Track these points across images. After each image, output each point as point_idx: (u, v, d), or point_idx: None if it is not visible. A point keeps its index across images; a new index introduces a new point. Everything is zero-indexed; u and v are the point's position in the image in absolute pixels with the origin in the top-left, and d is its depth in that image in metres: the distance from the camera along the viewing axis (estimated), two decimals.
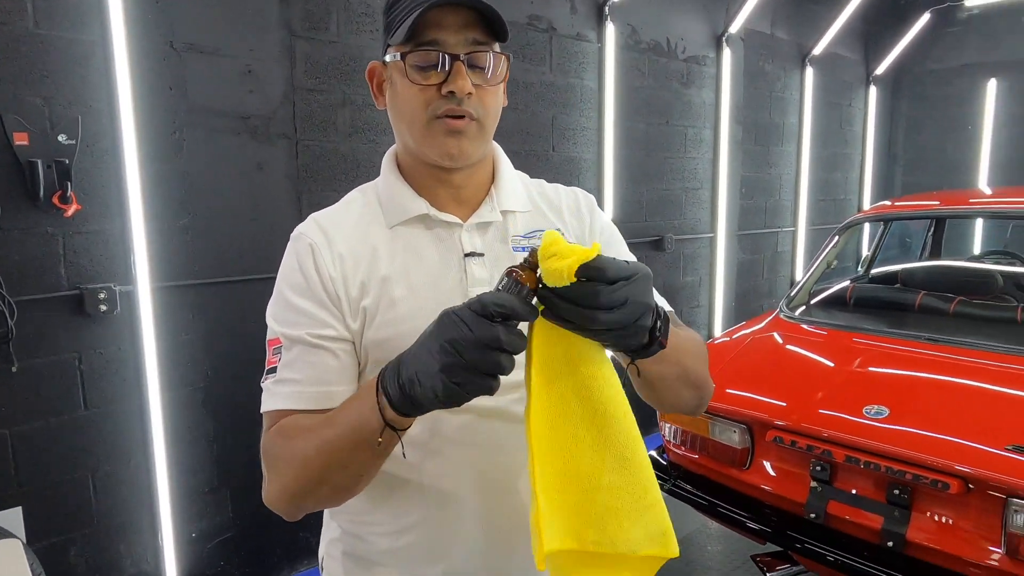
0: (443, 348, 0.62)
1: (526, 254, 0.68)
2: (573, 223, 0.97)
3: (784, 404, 1.95)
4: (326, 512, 0.99)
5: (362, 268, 0.86)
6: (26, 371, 2.10)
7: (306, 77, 2.57)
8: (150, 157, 2.24)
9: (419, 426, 0.83)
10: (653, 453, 2.37)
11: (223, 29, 2.37)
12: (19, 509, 2.12)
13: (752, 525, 1.90)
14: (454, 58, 0.81)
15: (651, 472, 0.75)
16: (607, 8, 3.58)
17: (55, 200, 2.07)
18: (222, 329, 2.46)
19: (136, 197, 2.22)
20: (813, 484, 1.81)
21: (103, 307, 2.20)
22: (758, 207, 4.83)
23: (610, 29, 3.60)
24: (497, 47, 0.86)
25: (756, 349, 2.35)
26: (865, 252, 4.22)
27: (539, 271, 0.66)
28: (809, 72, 4.98)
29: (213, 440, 2.49)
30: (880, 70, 5.60)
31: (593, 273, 0.63)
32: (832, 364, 2.12)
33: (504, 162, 0.97)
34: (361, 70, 2.71)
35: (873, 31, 5.51)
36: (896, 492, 1.67)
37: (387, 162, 0.95)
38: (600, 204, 4.14)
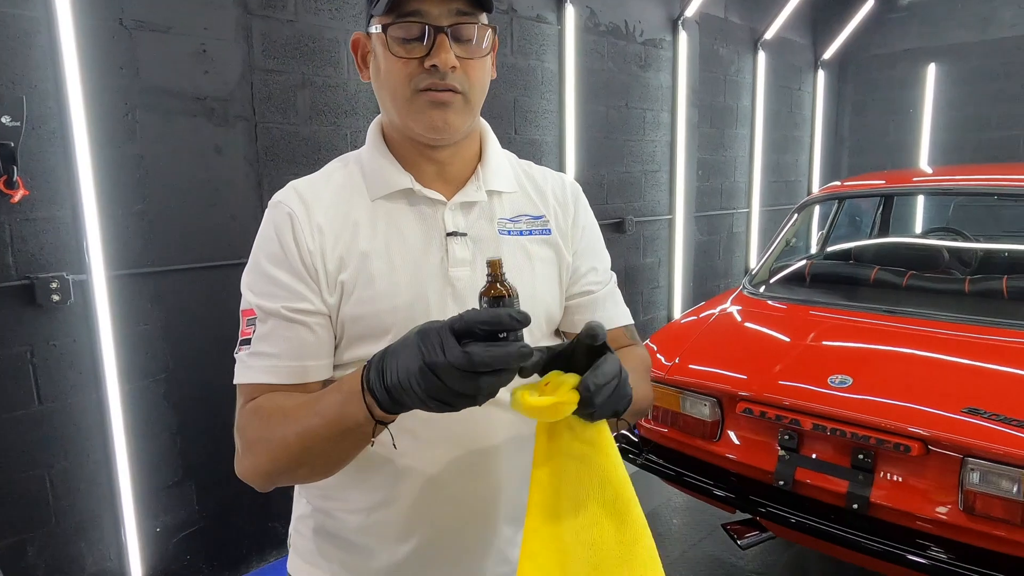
0: (423, 371, 0.61)
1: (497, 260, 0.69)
2: (557, 211, 0.96)
3: (750, 377, 2.01)
4: (296, 489, 0.97)
5: (342, 242, 0.84)
6: None
7: (264, 57, 2.49)
8: (101, 140, 2.15)
9: None
10: (624, 431, 2.42)
11: (175, 6, 2.28)
12: None
13: (723, 494, 1.96)
14: (437, 30, 0.78)
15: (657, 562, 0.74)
16: None
17: (0, 185, 1.97)
18: (182, 318, 2.39)
19: (88, 181, 2.12)
20: (781, 453, 1.88)
21: (55, 297, 2.10)
22: (714, 189, 4.92)
23: (570, 11, 3.60)
24: (484, 19, 0.84)
25: (722, 325, 2.41)
26: (815, 231, 4.35)
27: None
28: (761, 56, 5.08)
29: (176, 432, 2.43)
30: (828, 55, 5.76)
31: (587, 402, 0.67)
32: (796, 337, 2.19)
33: (492, 140, 0.95)
34: (321, 50, 2.66)
35: (821, 16, 5.66)
36: (860, 457, 1.75)
37: (373, 133, 0.92)
38: None
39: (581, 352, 0.69)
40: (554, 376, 0.68)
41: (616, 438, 2.40)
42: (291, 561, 0.97)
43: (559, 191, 0.98)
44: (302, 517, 0.96)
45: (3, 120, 1.97)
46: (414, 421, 0.82)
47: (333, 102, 2.72)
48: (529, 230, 0.92)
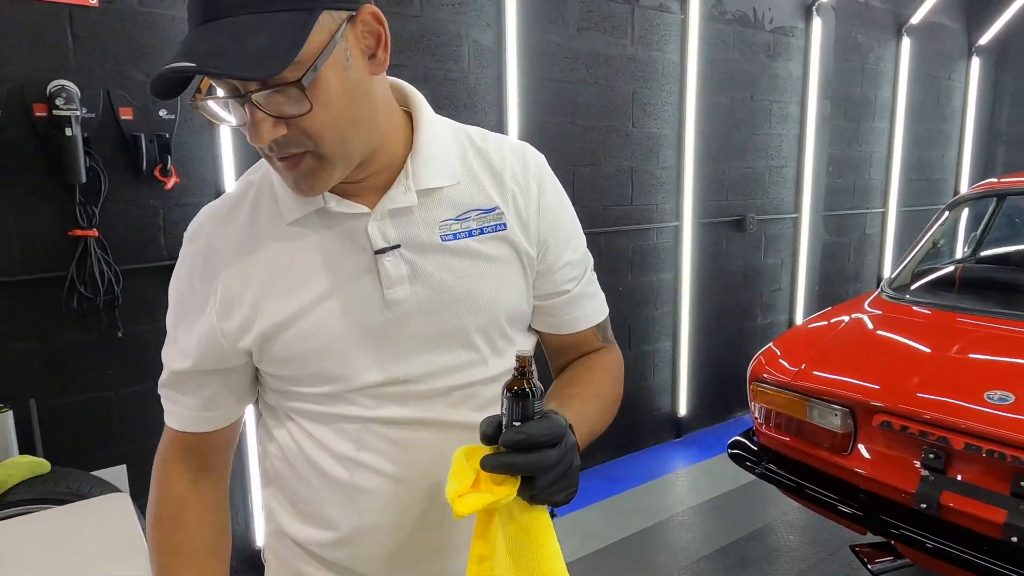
0: None
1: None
2: (516, 196, 0.81)
3: (889, 387, 1.84)
4: (264, 505, 0.92)
5: (255, 282, 0.75)
6: (130, 336, 2.20)
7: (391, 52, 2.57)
8: (240, 132, 2.29)
9: (346, 442, 0.79)
10: (739, 437, 2.29)
11: None
12: (123, 467, 2.24)
13: (854, 512, 1.81)
14: (244, 99, 0.63)
15: None
16: None
17: (156, 173, 2.15)
18: None
19: (230, 170, 2.28)
20: (924, 472, 1.70)
21: None
22: (846, 187, 4.59)
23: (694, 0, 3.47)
24: (307, 65, 0.63)
25: (856, 331, 2.23)
26: (962, 234, 3.96)
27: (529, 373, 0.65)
28: (905, 43, 4.68)
29: None
30: (984, 40, 5.21)
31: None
32: (943, 347, 1.98)
33: (424, 123, 0.78)
34: (442, 45, 2.74)
35: None
36: (1023, 484, 1.55)
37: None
38: (679, 183, 3.99)
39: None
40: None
41: (732, 444, 2.29)
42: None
43: (519, 171, 0.82)
44: (274, 535, 0.90)
45: (161, 113, 2.15)
46: (367, 454, 0.79)
47: (454, 95, 2.76)
48: (480, 228, 0.78)
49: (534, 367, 0.65)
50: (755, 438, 2.18)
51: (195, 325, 0.78)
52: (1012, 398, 1.64)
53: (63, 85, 1.95)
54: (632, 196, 3.45)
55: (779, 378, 2.04)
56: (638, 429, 3.71)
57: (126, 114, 2.10)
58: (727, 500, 3.19)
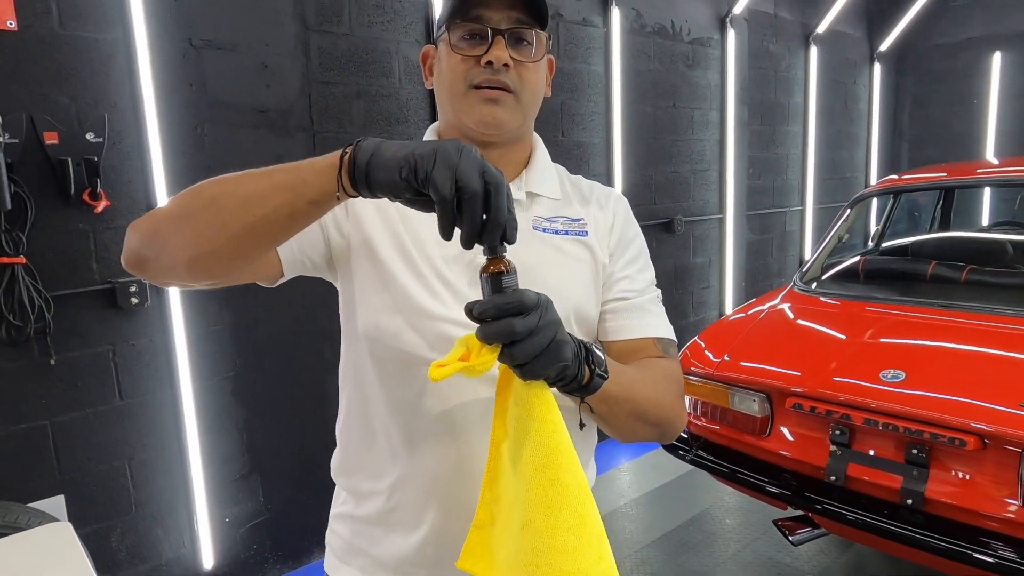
0: (432, 151, 0.65)
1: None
2: (597, 216, 0.98)
3: (801, 372, 2.01)
4: (336, 487, 1.01)
5: (370, 222, 0.90)
6: (63, 363, 2.16)
7: (321, 70, 2.62)
8: (174, 152, 2.30)
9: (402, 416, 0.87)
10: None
11: (239, 25, 2.42)
12: (61, 497, 2.20)
13: (774, 490, 1.96)
14: (495, 32, 0.87)
15: (604, 536, 0.71)
16: None
17: (85, 197, 2.13)
18: (248, 320, 2.52)
19: (162, 192, 2.28)
20: (832, 448, 1.87)
21: (134, 300, 2.26)
22: (766, 187, 4.86)
23: (615, 14, 3.64)
24: (543, 34, 0.90)
25: (772, 321, 2.40)
26: (873, 227, 4.25)
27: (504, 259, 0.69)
28: (813, 51, 4.99)
29: (243, 428, 2.56)
30: (884, 47, 5.61)
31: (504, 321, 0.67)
32: (847, 333, 2.17)
33: (541, 151, 1.01)
34: (373, 62, 2.77)
35: (876, 8, 5.52)
36: (914, 452, 1.73)
37: (429, 133, 0.99)
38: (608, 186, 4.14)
39: None
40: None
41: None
42: (327, 559, 1.02)
43: (603, 199, 1.01)
44: (337, 516, 1.00)
45: (88, 136, 2.14)
46: (427, 411, 0.86)
47: (386, 110, 2.82)
48: (566, 230, 0.95)
49: (507, 251, 0.69)
50: (686, 427, 2.32)
51: (323, 222, 0.89)
52: (903, 375, 1.82)
53: None
54: None
55: (703, 370, 2.19)
56: None
57: (51, 138, 2.07)
58: (667, 490, 3.34)
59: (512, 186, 0.93)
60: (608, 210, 1.00)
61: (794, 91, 4.96)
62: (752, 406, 2.05)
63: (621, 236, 0.99)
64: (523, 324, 0.66)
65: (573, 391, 0.75)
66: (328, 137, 2.67)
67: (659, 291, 1.01)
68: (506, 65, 0.87)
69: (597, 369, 0.75)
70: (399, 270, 0.88)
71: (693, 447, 2.22)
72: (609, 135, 3.72)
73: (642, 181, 3.94)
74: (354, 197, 0.73)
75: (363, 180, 0.69)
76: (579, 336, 0.84)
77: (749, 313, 2.52)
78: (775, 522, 2.05)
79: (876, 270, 2.58)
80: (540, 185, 0.97)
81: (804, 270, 2.65)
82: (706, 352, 2.29)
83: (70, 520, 2.20)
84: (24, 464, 2.13)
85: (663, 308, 1.00)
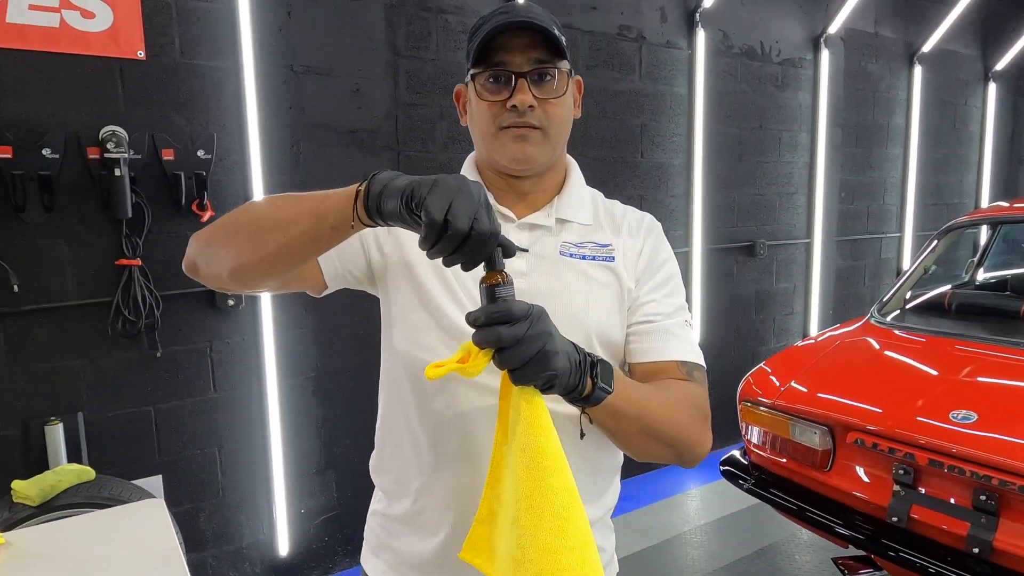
0: (433, 181, 0.71)
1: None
2: (627, 241, 1.02)
3: (867, 406, 1.94)
4: (375, 488, 1.10)
5: (411, 246, 0.97)
6: (168, 356, 2.41)
7: (408, 93, 2.78)
8: (272, 169, 2.51)
9: (440, 400, 0.94)
10: (735, 452, 2.40)
11: (336, 52, 2.62)
12: (159, 477, 2.44)
13: (834, 527, 1.90)
14: (517, 76, 0.92)
15: (591, 542, 0.74)
16: (698, 15, 3.61)
17: (194, 207, 2.37)
18: (330, 325, 2.71)
19: None
20: (896, 488, 1.79)
21: (230, 302, 2.48)
22: (859, 212, 4.66)
23: (701, 36, 3.63)
24: (564, 65, 0.95)
25: (842, 352, 2.33)
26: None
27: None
28: (918, 71, 4.75)
29: (321, 426, 2.74)
30: (1000, 65, 5.26)
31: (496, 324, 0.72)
32: (918, 370, 2.07)
33: (575, 177, 1.05)
34: (456, 85, 2.91)
35: (992, 25, 5.18)
36: (983, 498, 1.64)
37: (467, 166, 1.07)
38: (688, 210, 4.08)
39: None
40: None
41: (724, 461, 2.39)
42: (363, 550, 1.11)
43: (635, 224, 1.04)
44: (373, 512, 1.08)
45: (199, 153, 2.38)
46: (452, 424, 0.93)
47: (466, 132, 2.95)
48: (593, 256, 0.99)
49: (504, 266, 0.75)
50: (746, 456, 2.28)
51: (364, 240, 0.99)
52: (975, 417, 1.73)
53: (114, 131, 2.19)
54: None
55: (764, 398, 2.15)
56: None
57: (168, 155, 2.33)
58: (735, 519, 3.26)
59: (543, 212, 1.00)
60: (638, 237, 1.03)
61: (894, 112, 4.74)
62: (813, 438, 2.00)
63: (649, 262, 1.02)
64: (510, 332, 0.71)
65: (574, 401, 0.79)
66: (412, 156, 2.82)
67: (689, 316, 1.03)
68: (531, 107, 0.92)
69: (600, 382, 0.78)
70: (437, 291, 0.95)
71: (752, 477, 2.18)
72: (690, 156, 3.70)
73: (724, 203, 3.89)
74: (370, 226, 0.79)
75: (375, 209, 0.76)
76: (604, 357, 0.88)
77: (819, 342, 2.45)
78: (835, 560, 1.98)
79: (963, 304, 2.44)
80: (571, 211, 1.01)
81: (884, 300, 2.55)
82: (771, 378, 2.25)
83: (165, 499, 2.44)
84: (130, 444, 2.38)
85: (691, 333, 1.02)
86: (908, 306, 2.53)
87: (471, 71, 0.96)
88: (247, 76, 2.43)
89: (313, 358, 2.70)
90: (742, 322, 4.11)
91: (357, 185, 0.79)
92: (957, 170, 5.30)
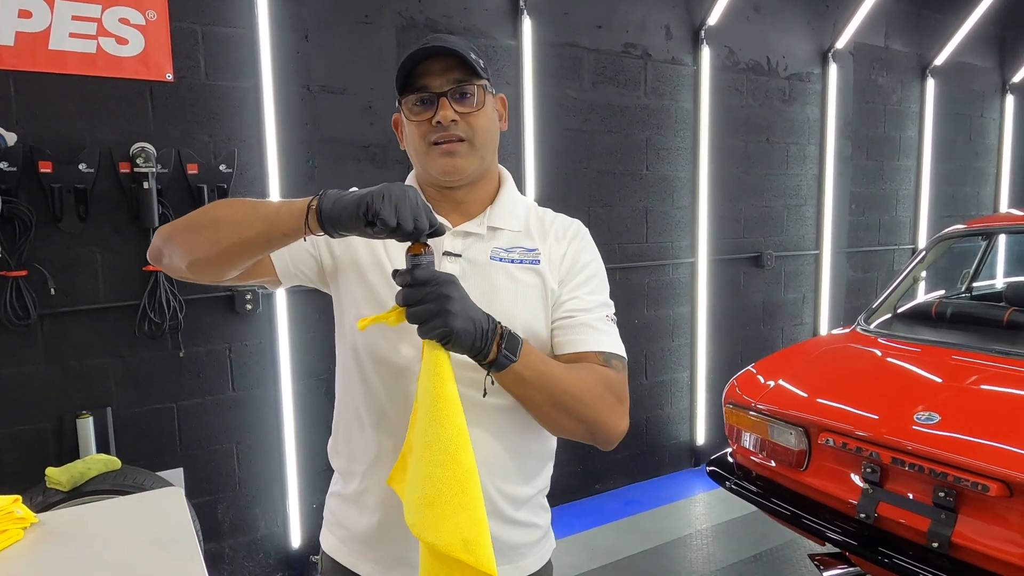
0: (380, 191, 0.86)
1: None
2: (552, 246, 1.11)
3: (837, 406, 2.02)
4: (335, 471, 1.20)
5: (360, 249, 1.10)
6: (190, 357, 2.59)
7: None
8: (288, 182, 2.69)
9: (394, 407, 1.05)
10: (724, 454, 2.48)
11: (349, 71, 2.79)
12: (181, 470, 2.61)
13: (808, 524, 1.97)
14: (439, 95, 1.02)
15: (473, 479, 0.86)
16: (703, 32, 3.71)
17: None
18: None
19: None
20: (864, 486, 1.87)
21: (249, 306, 2.66)
22: (871, 223, 4.69)
23: (706, 52, 3.73)
24: (482, 83, 1.05)
25: (824, 358, 2.40)
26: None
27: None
28: (930, 83, 4.78)
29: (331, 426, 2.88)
30: (1018, 77, 5.24)
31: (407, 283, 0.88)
32: (896, 373, 2.14)
33: (507, 188, 1.15)
34: None
35: (1009, 37, 5.18)
36: (942, 495, 1.70)
37: (408, 181, 1.16)
38: (694, 221, 4.13)
39: None
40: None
41: (711, 462, 2.47)
42: (322, 530, 1.19)
43: (561, 230, 1.13)
44: (331, 494, 1.17)
45: (220, 168, 2.56)
46: (394, 403, 1.03)
47: None
48: (520, 259, 1.09)
49: (426, 238, 0.88)
50: (731, 456, 2.36)
51: (316, 245, 1.12)
52: (938, 418, 1.80)
53: (143, 147, 2.39)
54: (647, 234, 3.69)
55: (746, 401, 2.24)
56: (654, 456, 3.88)
57: (192, 169, 2.52)
58: (736, 524, 3.32)
59: (475, 221, 1.11)
60: (564, 241, 1.12)
61: (907, 125, 4.76)
62: (789, 439, 2.08)
63: (573, 264, 1.11)
64: (412, 293, 0.87)
65: (481, 364, 0.92)
66: None
67: (611, 311, 1.13)
68: (454, 120, 1.02)
69: (504, 350, 0.91)
70: (381, 287, 1.07)
71: (736, 476, 2.27)
72: (696, 169, 3.79)
73: (730, 215, 3.96)
74: (320, 236, 0.92)
75: (328, 222, 0.89)
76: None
77: (805, 347, 2.52)
78: (811, 556, 2.05)
79: (945, 314, 2.49)
80: (502, 219, 1.11)
81: (872, 308, 2.62)
82: (754, 380, 2.33)
83: (186, 491, 2.61)
84: (154, 438, 2.56)
85: (614, 328, 1.11)
86: (894, 314, 2.59)
87: (400, 98, 1.08)
88: (266, 95, 2.61)
89: (325, 361, 2.84)
90: (750, 331, 4.17)
91: (309, 200, 0.91)
92: (974, 182, 5.28)
